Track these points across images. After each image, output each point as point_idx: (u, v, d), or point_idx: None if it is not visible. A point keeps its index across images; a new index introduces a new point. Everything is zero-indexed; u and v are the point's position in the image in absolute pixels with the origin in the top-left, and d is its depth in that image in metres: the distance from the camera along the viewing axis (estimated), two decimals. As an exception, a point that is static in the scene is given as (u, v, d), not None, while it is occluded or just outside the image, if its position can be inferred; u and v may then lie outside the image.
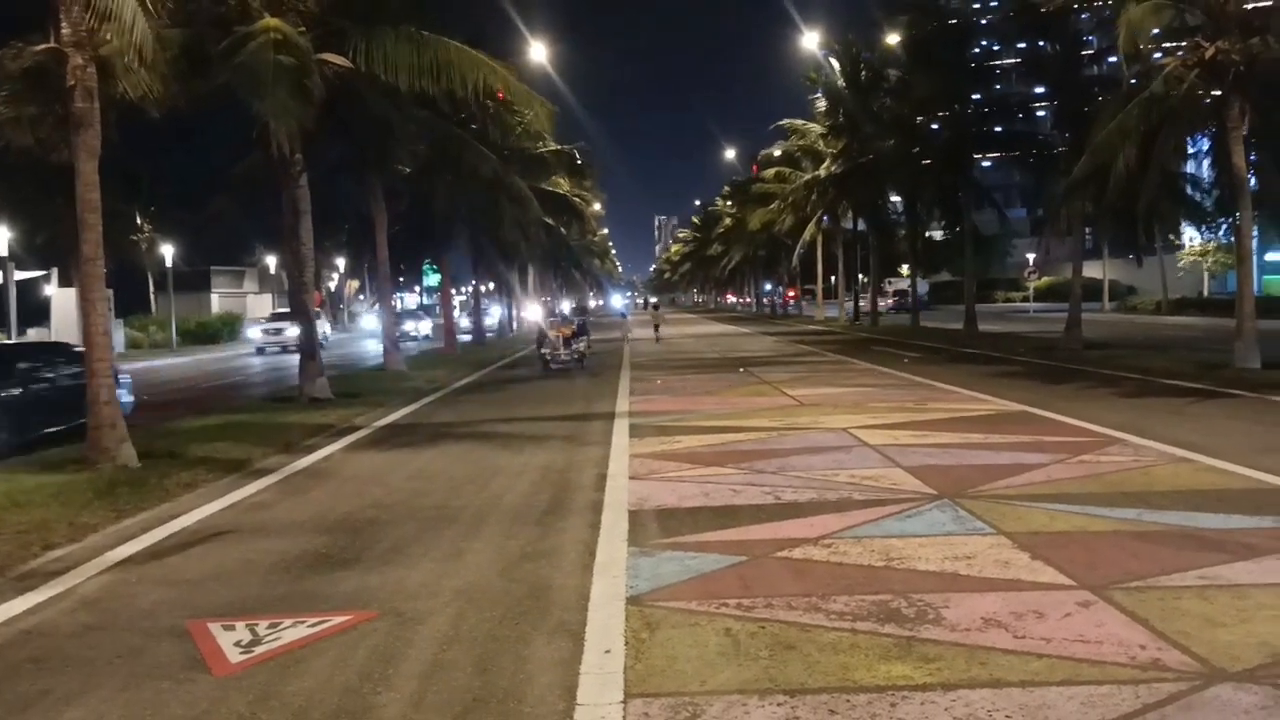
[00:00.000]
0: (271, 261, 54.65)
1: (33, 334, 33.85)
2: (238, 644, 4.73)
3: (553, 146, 36.13)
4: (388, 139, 20.18)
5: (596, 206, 65.32)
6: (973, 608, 4.86)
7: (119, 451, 10.18)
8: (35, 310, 36.65)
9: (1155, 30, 17.37)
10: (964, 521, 6.65)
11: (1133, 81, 19.13)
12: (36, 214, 35.42)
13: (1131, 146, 17.31)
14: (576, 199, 44.99)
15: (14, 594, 5.70)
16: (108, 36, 10.09)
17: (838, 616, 4.80)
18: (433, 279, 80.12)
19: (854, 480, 8.18)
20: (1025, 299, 60.62)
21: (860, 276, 53.63)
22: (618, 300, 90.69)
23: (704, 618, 4.85)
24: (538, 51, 31.84)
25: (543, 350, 22.62)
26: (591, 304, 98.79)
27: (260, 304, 57.00)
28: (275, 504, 8.37)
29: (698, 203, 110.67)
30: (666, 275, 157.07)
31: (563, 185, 41.93)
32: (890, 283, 67.97)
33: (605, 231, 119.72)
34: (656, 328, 36.97)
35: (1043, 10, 22.72)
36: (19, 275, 38.05)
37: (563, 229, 42.73)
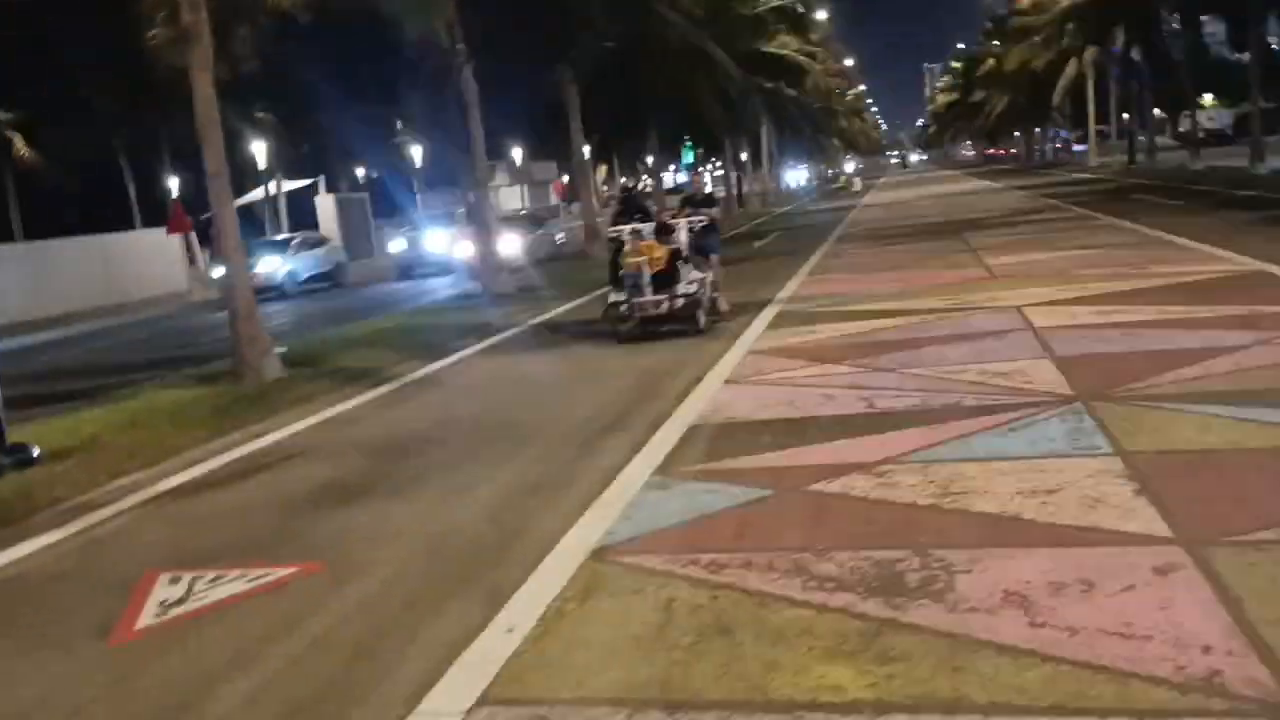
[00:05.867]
0: (517, 155, 56.03)
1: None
2: (163, 602, 4.37)
3: (771, 3, 33.90)
4: (570, 23, 19.41)
5: (844, 62, 61.76)
6: (1002, 573, 3.65)
7: (261, 365, 10.35)
8: (308, 213, 40.02)
9: None
10: (1081, 436, 5.22)
11: None
12: (294, 128, 38.26)
13: None
14: (806, 58, 42.39)
15: (42, 531, 5.65)
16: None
17: (817, 585, 3.74)
18: (689, 157, 78.89)
19: (980, 378, 6.77)
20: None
21: (1156, 111, 47.42)
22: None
23: (658, 580, 3.95)
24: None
25: (614, 297, 10.70)
26: (850, 168, 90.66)
27: (510, 196, 58.64)
28: (362, 419, 8.15)
29: (961, 46, 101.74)
30: (932, 129, 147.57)
31: (790, 44, 39.52)
32: (1186, 116, 59.88)
33: (862, 88, 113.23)
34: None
35: None
36: (289, 185, 41.74)
37: (793, 91, 40.35)
